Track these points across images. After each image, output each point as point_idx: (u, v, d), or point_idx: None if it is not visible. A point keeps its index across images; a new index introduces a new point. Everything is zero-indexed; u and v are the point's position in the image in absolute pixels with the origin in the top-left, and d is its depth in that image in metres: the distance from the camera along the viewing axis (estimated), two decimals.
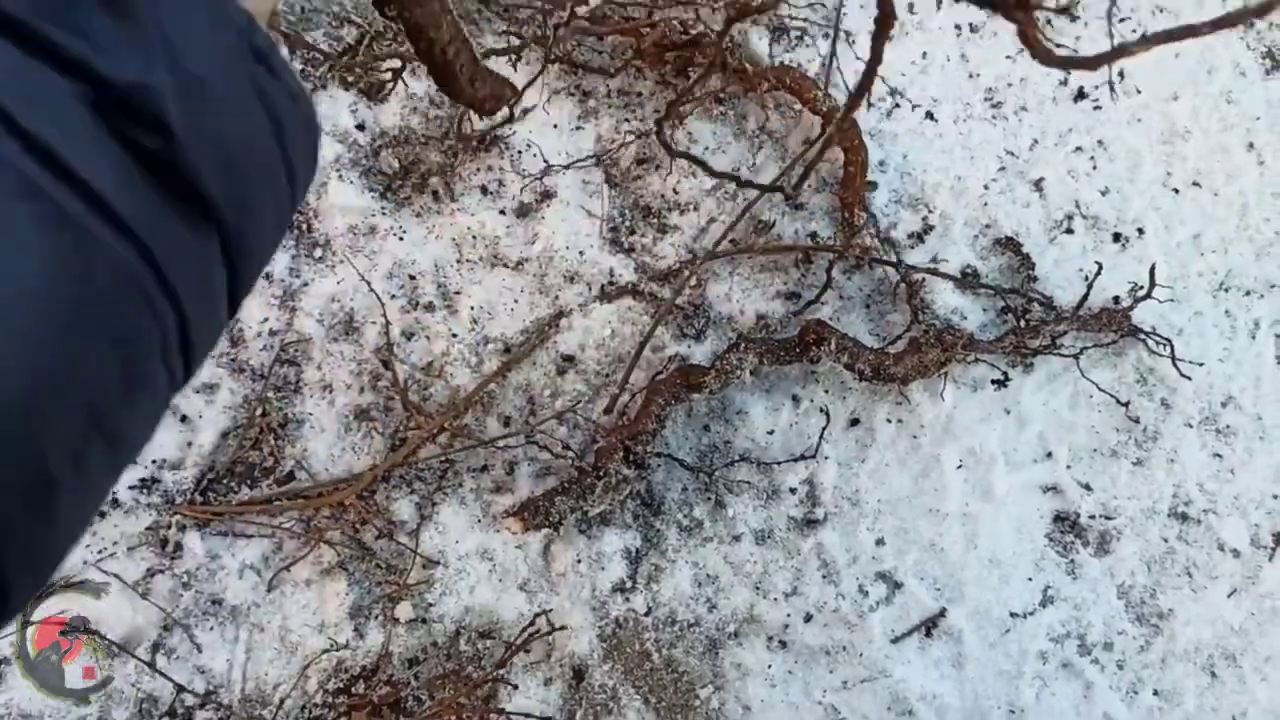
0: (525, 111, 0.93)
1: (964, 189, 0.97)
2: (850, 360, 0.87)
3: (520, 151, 0.93)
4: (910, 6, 1.01)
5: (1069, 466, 0.93)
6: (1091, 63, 0.38)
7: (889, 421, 0.92)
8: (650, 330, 0.89)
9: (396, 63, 0.92)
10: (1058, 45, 1.00)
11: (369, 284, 0.88)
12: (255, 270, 0.29)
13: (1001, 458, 0.92)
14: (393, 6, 0.44)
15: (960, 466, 0.91)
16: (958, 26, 1.01)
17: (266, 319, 0.88)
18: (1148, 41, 0.35)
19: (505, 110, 0.90)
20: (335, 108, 0.92)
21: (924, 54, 1.00)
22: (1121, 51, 0.36)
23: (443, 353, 0.89)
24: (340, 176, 0.90)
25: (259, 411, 0.86)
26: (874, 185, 0.96)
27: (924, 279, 0.93)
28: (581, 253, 0.92)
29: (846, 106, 0.54)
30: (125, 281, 0.24)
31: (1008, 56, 1.01)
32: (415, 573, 0.85)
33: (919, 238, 0.96)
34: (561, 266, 0.92)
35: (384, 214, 0.91)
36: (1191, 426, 0.95)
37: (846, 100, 0.63)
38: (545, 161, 0.92)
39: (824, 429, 0.89)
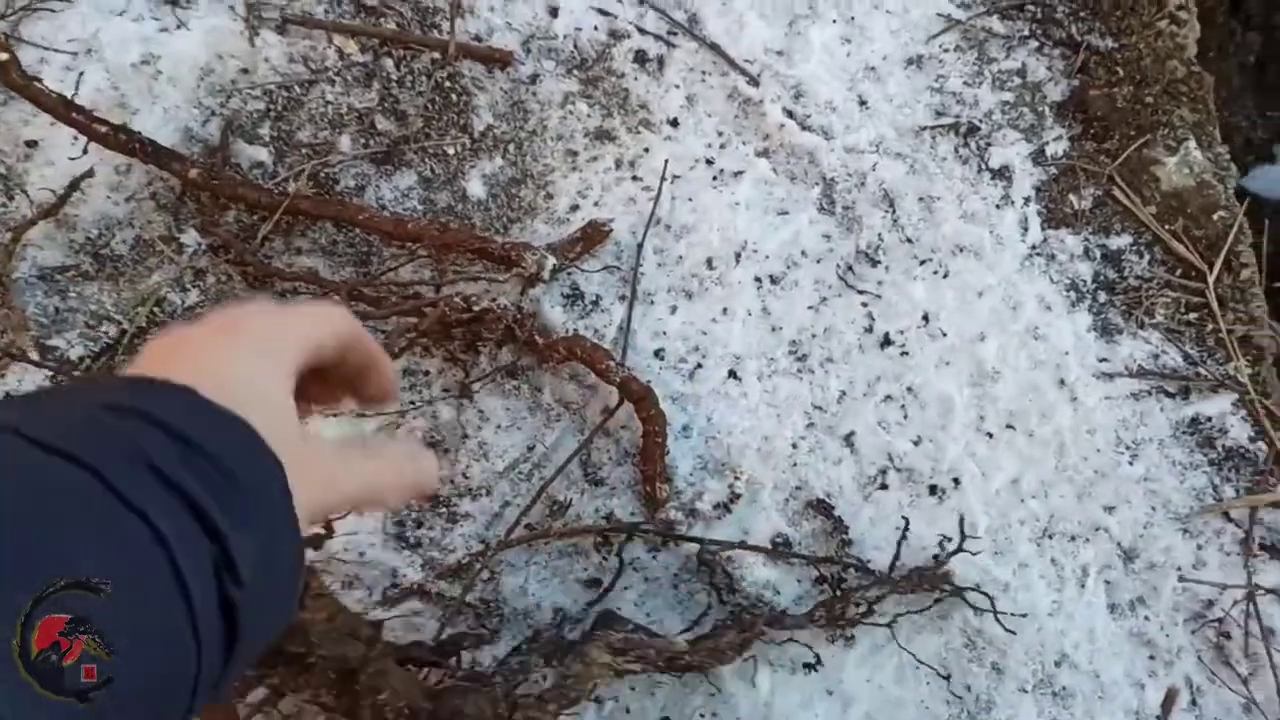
0: None
1: (772, 450, 0.93)
2: (639, 654, 0.80)
3: None
4: (709, 261, 0.99)
5: None
6: None
7: (702, 718, 0.85)
8: (445, 637, 0.83)
9: None
10: (860, 290, 0.98)
11: None
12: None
13: None
14: None
15: None
16: (758, 279, 0.99)
17: None
18: None
19: None
20: None
21: (724, 310, 0.97)
22: None
23: None
24: None
25: None
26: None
27: (730, 555, 0.88)
28: (362, 554, 0.86)
29: None
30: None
31: (810, 307, 0.99)
32: None
33: (726, 507, 0.91)
34: (339, 572, 0.85)
35: None
36: (1026, 691, 0.90)
37: None
38: None
39: None
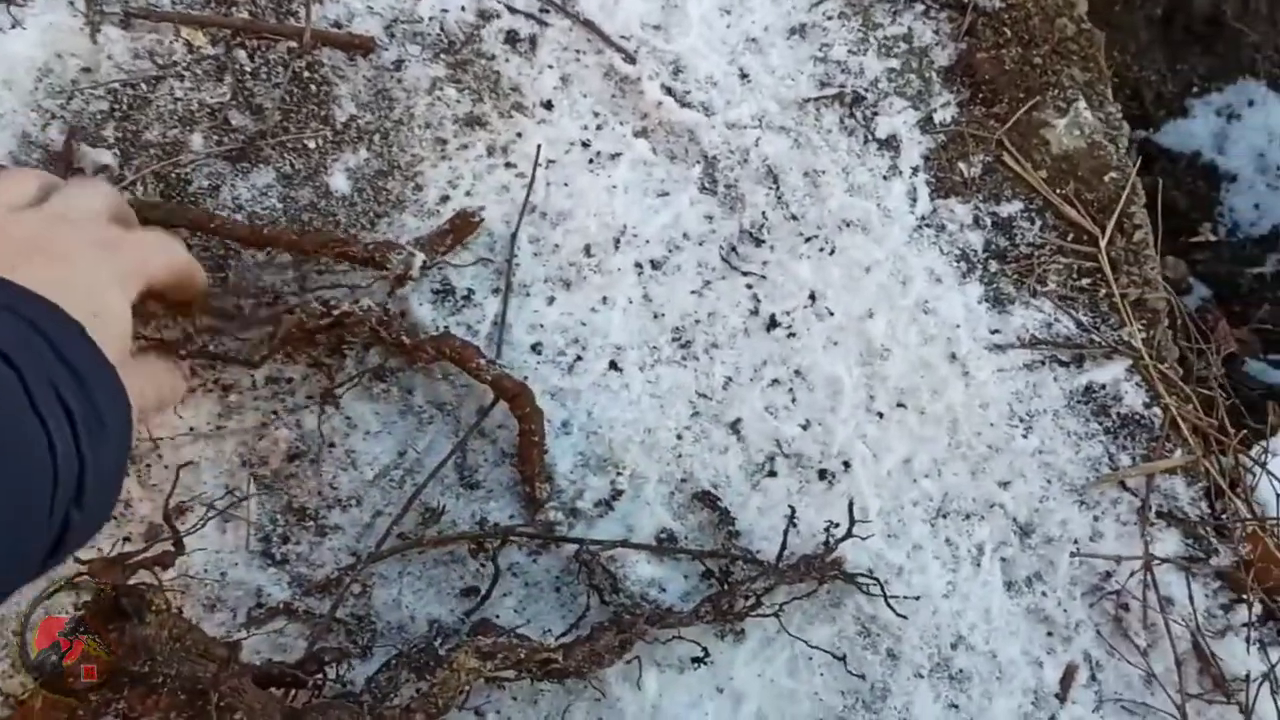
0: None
1: (655, 442, 0.90)
2: (507, 658, 0.77)
3: (149, 465, 0.83)
4: (587, 249, 0.95)
5: None
6: None
7: None
8: (306, 654, 0.79)
9: None
10: (744, 272, 0.95)
11: None
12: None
13: None
14: None
15: None
16: (639, 265, 0.95)
17: None
18: None
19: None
20: None
21: (604, 299, 0.94)
22: None
23: None
24: None
25: None
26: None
27: (612, 554, 0.85)
28: (224, 574, 0.82)
29: None
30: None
31: (693, 291, 0.95)
32: None
33: (608, 505, 0.88)
34: (199, 595, 0.81)
35: None
36: (923, 676, 0.88)
37: None
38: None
39: None
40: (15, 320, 0.48)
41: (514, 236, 0.94)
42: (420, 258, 0.88)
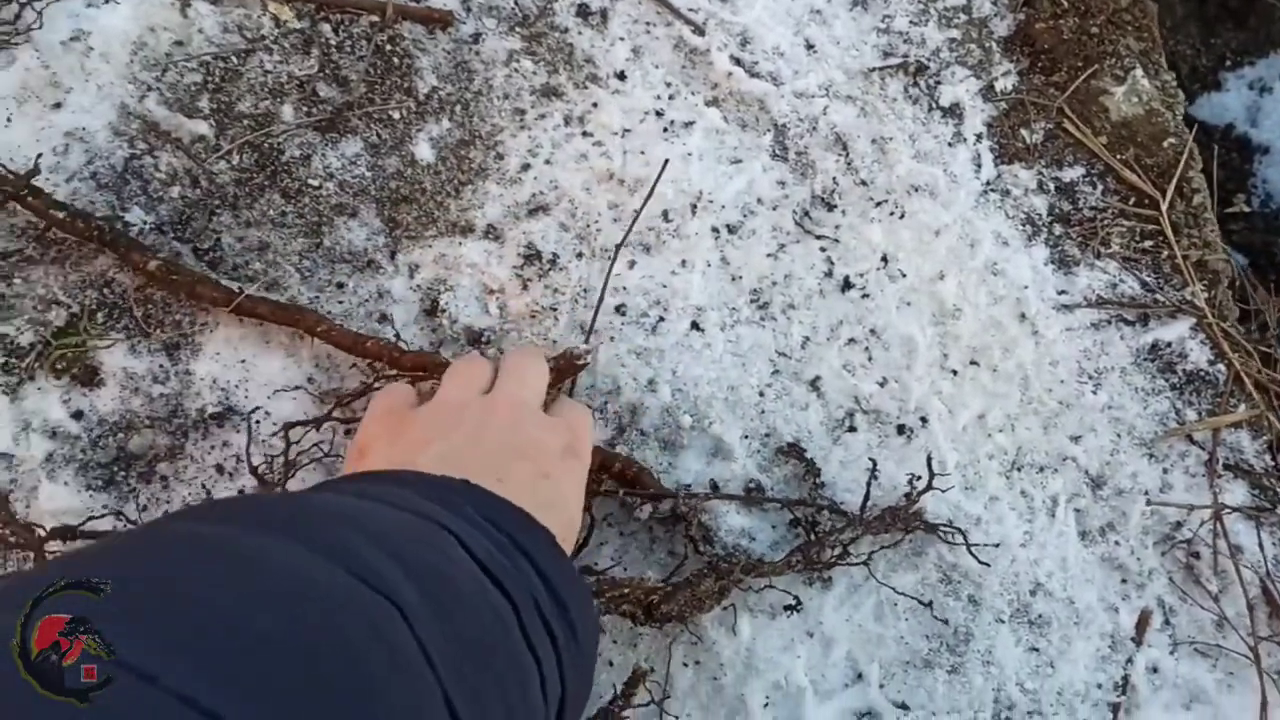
0: None
1: (739, 399, 0.93)
2: (613, 596, 0.80)
3: (259, 422, 0.86)
4: (665, 214, 0.98)
5: (882, 686, 0.87)
6: None
7: (685, 666, 0.85)
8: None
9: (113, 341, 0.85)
10: (818, 235, 0.98)
11: None
12: None
13: (810, 688, 0.86)
14: None
15: (767, 704, 0.85)
16: (715, 230, 0.98)
17: None
18: None
19: None
20: (45, 400, 0.84)
21: (683, 262, 0.96)
22: None
23: None
24: (51, 476, 0.82)
25: None
26: None
27: (702, 505, 0.88)
28: None
29: None
30: None
31: (769, 255, 0.98)
32: None
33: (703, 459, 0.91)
34: None
35: (105, 512, 0.82)
36: (1004, 621, 0.90)
37: None
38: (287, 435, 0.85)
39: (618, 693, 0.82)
40: (500, 539, 0.48)
41: (618, 248, 0.94)
42: None
